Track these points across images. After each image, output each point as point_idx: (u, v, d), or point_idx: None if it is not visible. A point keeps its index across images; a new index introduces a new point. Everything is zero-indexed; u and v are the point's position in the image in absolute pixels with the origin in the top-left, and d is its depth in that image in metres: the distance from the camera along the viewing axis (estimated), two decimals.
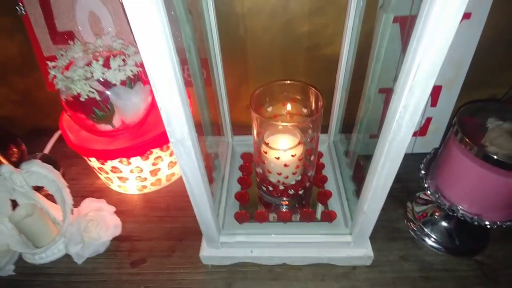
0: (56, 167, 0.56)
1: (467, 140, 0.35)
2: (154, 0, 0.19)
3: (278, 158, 0.39)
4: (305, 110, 0.42)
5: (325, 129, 0.55)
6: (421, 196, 0.49)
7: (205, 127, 0.46)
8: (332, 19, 0.51)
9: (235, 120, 0.55)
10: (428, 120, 0.54)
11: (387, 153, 0.27)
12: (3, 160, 0.47)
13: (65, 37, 0.52)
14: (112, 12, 0.50)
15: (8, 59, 0.59)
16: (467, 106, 0.39)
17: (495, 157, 0.33)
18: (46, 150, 0.61)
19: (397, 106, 0.24)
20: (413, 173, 0.46)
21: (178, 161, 0.29)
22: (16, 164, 0.50)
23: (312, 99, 0.40)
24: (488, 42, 0.49)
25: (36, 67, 0.57)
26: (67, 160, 0.59)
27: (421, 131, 0.55)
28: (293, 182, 0.42)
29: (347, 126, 0.50)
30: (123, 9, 0.49)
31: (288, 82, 0.40)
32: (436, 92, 0.51)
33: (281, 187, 0.42)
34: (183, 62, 0.32)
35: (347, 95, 0.49)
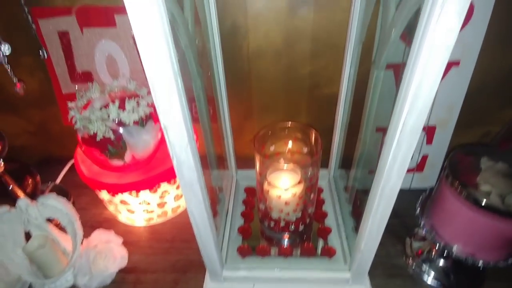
0: (67, 197, 0.59)
1: (457, 183, 0.37)
2: (167, 57, 0.21)
3: (279, 197, 0.41)
4: (305, 149, 0.45)
5: (325, 164, 0.57)
6: (419, 232, 0.51)
7: (211, 161, 0.48)
8: (331, 62, 0.55)
9: (239, 153, 0.58)
10: (424, 157, 0.56)
11: (380, 198, 0.29)
12: (20, 192, 0.49)
13: (83, 77, 0.56)
14: (128, 55, 0.54)
15: (28, 94, 0.63)
16: (458, 149, 0.41)
17: (484, 201, 0.34)
18: (58, 180, 0.64)
19: (387, 157, 0.27)
20: (411, 208, 0.47)
21: (186, 201, 0.32)
22: (31, 195, 0.53)
23: (312, 139, 0.43)
24: (478, 85, 0.52)
25: (54, 102, 0.61)
26: (77, 190, 0.62)
27: (418, 167, 0.57)
28: (294, 219, 0.44)
29: (347, 162, 0.53)
30: (138, 52, 0.53)
31: (290, 123, 0.43)
32: (430, 131, 0.53)
33: (282, 223, 0.44)
34: (191, 100, 0.36)
35: (346, 132, 0.52)
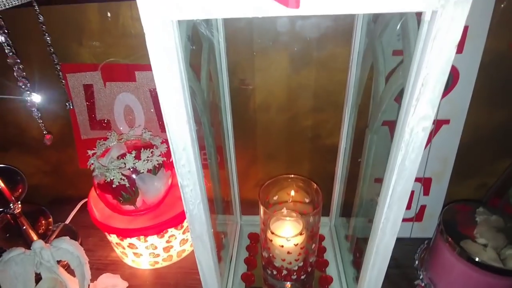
0: (76, 237, 0.61)
1: (451, 239, 0.39)
2: (187, 131, 0.25)
3: (282, 246, 0.43)
4: (307, 199, 0.48)
5: (326, 212, 0.59)
6: (419, 284, 0.51)
7: (217, 207, 0.51)
8: (332, 116, 0.60)
9: (243, 197, 0.60)
10: (423, 207, 0.58)
11: (376, 254, 0.32)
12: (33, 234, 0.52)
13: (102, 124, 0.61)
14: (144, 106, 0.59)
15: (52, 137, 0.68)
16: (451, 205, 0.44)
17: (478, 258, 0.36)
18: (68, 220, 0.66)
19: (380, 218, 0.29)
20: (411, 258, 0.49)
21: (195, 250, 0.34)
22: (42, 235, 0.55)
23: (313, 192, 0.46)
24: (469, 140, 0.56)
25: (72, 145, 0.65)
26: (85, 230, 0.64)
27: (417, 218, 0.59)
28: (296, 268, 0.45)
29: (348, 210, 0.55)
30: (153, 103, 0.58)
31: (292, 176, 0.46)
32: (427, 182, 0.56)
33: (285, 272, 0.45)
34: (201, 148, 0.39)
35: (347, 181, 0.54)
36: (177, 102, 0.24)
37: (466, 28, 0.45)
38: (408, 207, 0.58)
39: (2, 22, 0.36)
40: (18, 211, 0.51)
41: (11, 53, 0.37)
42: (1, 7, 0.28)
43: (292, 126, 0.61)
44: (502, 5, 0.47)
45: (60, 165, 0.72)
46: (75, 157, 0.67)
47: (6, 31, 0.36)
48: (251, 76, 0.56)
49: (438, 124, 0.51)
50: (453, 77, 0.48)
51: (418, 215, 0.59)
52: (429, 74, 0.21)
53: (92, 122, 0.61)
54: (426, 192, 0.57)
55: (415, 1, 0.19)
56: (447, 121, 0.51)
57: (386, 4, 0.19)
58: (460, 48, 0.46)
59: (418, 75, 0.22)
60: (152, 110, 0.59)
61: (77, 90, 0.58)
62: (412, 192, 0.57)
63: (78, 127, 0.62)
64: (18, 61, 0.38)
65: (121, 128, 0.60)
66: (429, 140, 0.52)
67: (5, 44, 0.36)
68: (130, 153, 0.47)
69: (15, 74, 0.38)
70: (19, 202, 0.51)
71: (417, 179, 0.56)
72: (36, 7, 0.40)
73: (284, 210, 0.47)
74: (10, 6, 0.29)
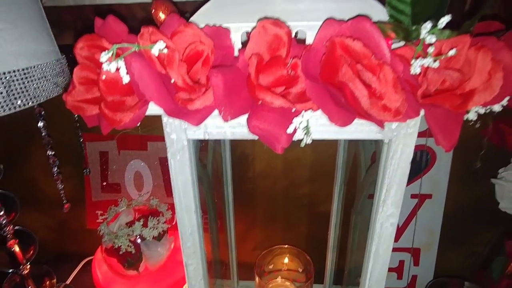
0: None
1: None
2: (193, 211, 0.30)
3: None
4: (300, 269, 0.50)
5: (321, 279, 0.61)
6: None
7: (215, 270, 0.53)
8: (324, 186, 0.64)
9: (241, 260, 0.63)
10: (414, 277, 0.60)
11: None
12: None
13: (113, 188, 0.66)
14: (153, 172, 0.64)
15: (59, 196, 0.72)
16: (435, 281, 0.47)
17: None
18: (69, 280, 0.68)
19: None
20: None
21: None
22: None
23: (306, 262, 0.49)
24: (453, 213, 0.60)
25: (81, 204, 0.69)
26: None
27: (409, 287, 0.61)
28: None
29: (341, 278, 0.57)
30: (161, 170, 0.64)
31: (287, 246, 0.50)
32: (416, 253, 0.59)
33: None
34: (204, 212, 0.43)
35: (339, 249, 0.57)
36: (186, 194, 0.29)
37: None
38: (400, 277, 0.61)
39: (43, 111, 0.43)
40: (26, 272, 0.54)
41: (46, 136, 0.43)
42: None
43: (288, 193, 0.66)
44: None
45: (66, 222, 0.75)
46: (83, 216, 0.71)
47: (44, 118, 0.42)
48: (251, 148, 0.63)
49: (421, 198, 0.56)
50: (431, 157, 0.54)
51: (410, 285, 0.60)
52: (391, 183, 0.27)
53: (103, 185, 0.66)
54: (416, 262, 0.60)
55: (375, 132, 0.25)
56: (429, 196, 0.56)
57: (356, 133, 0.25)
58: None
59: (383, 183, 0.27)
60: (160, 176, 0.64)
61: (93, 156, 0.64)
62: (402, 262, 0.60)
63: (90, 190, 0.67)
64: (51, 141, 0.44)
65: (130, 192, 0.65)
66: (414, 213, 0.57)
67: (43, 129, 0.42)
68: (138, 220, 0.51)
69: (47, 152, 0.45)
70: (28, 264, 0.54)
71: (406, 250, 0.59)
72: None
73: (279, 279, 0.50)
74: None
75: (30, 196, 0.73)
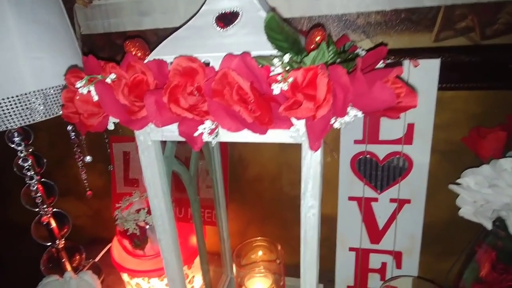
0: (100, 274, 0.74)
1: None
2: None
3: None
4: (278, 260, 0.56)
5: None
6: None
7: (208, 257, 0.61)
8: None
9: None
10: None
11: None
12: (68, 266, 0.66)
13: (133, 182, 0.78)
14: None
15: (96, 188, 0.87)
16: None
17: None
18: (97, 258, 0.81)
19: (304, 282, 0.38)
20: None
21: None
22: (75, 268, 0.69)
23: (278, 252, 0.55)
24: (434, 218, 0.61)
25: (109, 196, 0.82)
26: (109, 269, 0.77)
27: None
28: None
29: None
30: None
31: (259, 238, 0.56)
32: (398, 256, 0.61)
33: None
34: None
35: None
36: (155, 182, 0.38)
37: (412, 125, 0.55)
38: (383, 278, 0.63)
39: None
40: (61, 246, 0.67)
41: (74, 137, 0.55)
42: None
43: (282, 195, 0.72)
44: None
45: (99, 211, 0.89)
46: (111, 206, 0.84)
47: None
48: (247, 152, 0.70)
49: (400, 203, 0.58)
50: (408, 164, 0.57)
51: None
52: (307, 179, 0.33)
53: (125, 179, 0.78)
54: (399, 265, 0.62)
55: (288, 136, 0.32)
56: (408, 201, 0.58)
57: (271, 137, 0.32)
58: (409, 140, 0.56)
59: (303, 179, 0.33)
60: None
61: (118, 155, 0.77)
62: (385, 264, 0.62)
63: (115, 183, 0.79)
64: (78, 141, 0.57)
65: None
66: (393, 217, 0.59)
67: (71, 131, 0.55)
68: (144, 209, 0.61)
69: (74, 149, 0.57)
70: (63, 239, 0.67)
71: (388, 252, 0.61)
72: None
73: (256, 269, 0.56)
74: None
75: (73, 189, 0.88)
